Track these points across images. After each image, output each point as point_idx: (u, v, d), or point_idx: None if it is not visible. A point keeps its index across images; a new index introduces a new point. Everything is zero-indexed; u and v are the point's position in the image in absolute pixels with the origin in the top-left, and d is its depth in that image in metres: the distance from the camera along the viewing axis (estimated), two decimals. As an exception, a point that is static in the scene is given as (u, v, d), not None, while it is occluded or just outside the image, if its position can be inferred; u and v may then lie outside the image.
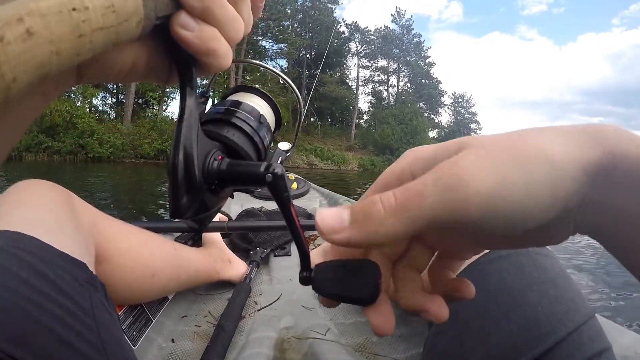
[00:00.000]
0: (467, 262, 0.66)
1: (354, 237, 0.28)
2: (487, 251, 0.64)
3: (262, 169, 0.34)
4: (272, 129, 0.47)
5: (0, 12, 0.18)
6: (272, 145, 0.46)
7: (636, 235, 0.27)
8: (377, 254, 0.35)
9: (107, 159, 24.25)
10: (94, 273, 0.68)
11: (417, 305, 0.33)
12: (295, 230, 0.35)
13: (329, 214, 0.29)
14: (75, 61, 0.22)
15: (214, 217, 0.38)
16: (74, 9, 0.20)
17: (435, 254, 0.37)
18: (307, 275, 0.33)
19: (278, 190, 0.34)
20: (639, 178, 0.26)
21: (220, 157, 0.35)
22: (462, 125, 71.25)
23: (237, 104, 0.43)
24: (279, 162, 0.45)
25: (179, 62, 0.33)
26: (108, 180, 12.55)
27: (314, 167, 34.82)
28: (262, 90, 0.47)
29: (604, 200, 0.27)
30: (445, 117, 68.90)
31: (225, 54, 0.32)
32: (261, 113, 0.44)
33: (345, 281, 0.32)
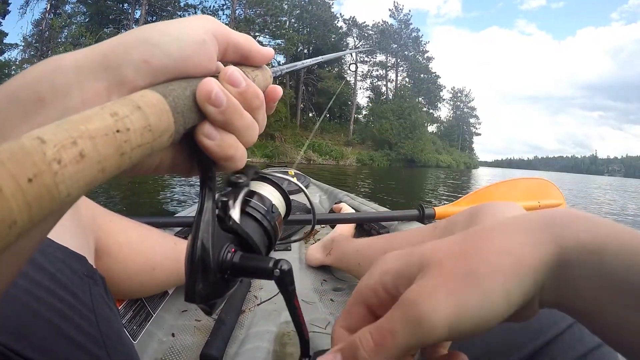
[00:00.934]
0: None
1: None
2: None
3: (270, 264, 0.39)
4: (282, 214, 0.49)
5: (55, 132, 0.19)
6: (281, 229, 0.48)
7: (591, 308, 0.30)
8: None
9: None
10: (94, 267, 0.68)
11: None
12: (297, 321, 0.40)
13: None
14: (115, 174, 0.24)
15: (225, 300, 0.40)
16: (118, 131, 0.22)
17: None
18: None
19: (284, 284, 0.40)
20: (588, 265, 0.29)
21: (233, 249, 0.38)
22: (461, 119, 71.30)
23: (251, 193, 0.45)
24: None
25: (201, 165, 0.36)
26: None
27: (312, 162, 34.79)
28: (274, 180, 0.49)
29: (561, 286, 0.30)
30: (444, 111, 69.03)
31: (241, 158, 0.36)
32: (273, 203, 0.46)
33: None
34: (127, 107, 0.24)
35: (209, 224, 0.35)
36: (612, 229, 0.30)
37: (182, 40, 0.32)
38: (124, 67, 0.29)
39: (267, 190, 0.47)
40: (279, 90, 0.43)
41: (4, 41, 32.10)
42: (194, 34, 0.32)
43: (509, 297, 0.29)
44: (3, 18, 33.04)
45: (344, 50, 50.13)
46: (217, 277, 0.36)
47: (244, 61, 0.39)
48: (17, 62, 32.87)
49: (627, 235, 0.29)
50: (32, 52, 33.90)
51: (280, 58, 43.83)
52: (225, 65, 0.35)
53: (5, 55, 32.93)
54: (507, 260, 0.30)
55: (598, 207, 12.42)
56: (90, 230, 0.79)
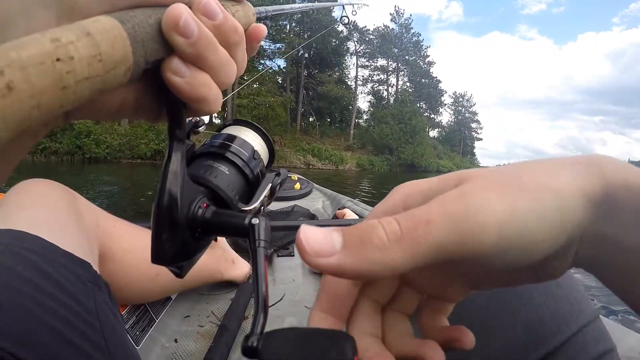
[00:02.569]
0: None
1: (347, 265, 0.24)
2: None
3: (246, 221, 0.34)
4: (265, 163, 0.47)
5: None
6: (263, 178, 0.45)
7: (630, 267, 0.27)
8: (366, 300, 0.33)
9: (104, 160, 24.29)
10: (98, 273, 0.68)
11: (410, 352, 0.31)
12: (259, 280, 0.31)
13: (316, 233, 0.24)
14: (57, 113, 0.21)
15: (194, 263, 0.37)
16: (57, 59, 0.20)
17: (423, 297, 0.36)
18: (253, 344, 0.24)
19: (253, 239, 0.34)
20: (636, 208, 0.26)
21: (205, 204, 0.35)
22: (463, 124, 71.26)
23: (232, 138, 0.43)
24: (267, 188, 0.44)
25: (169, 107, 0.33)
26: (106, 180, 12.53)
27: (311, 167, 34.81)
28: (256, 124, 0.47)
29: (604, 232, 0.27)
30: (445, 116, 69.00)
31: (215, 100, 0.32)
32: (255, 148, 0.44)
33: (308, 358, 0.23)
34: (73, 33, 0.21)
35: (177, 174, 0.32)
36: None
37: None
38: None
39: (249, 136, 0.45)
40: (262, 28, 0.39)
41: None
42: None
43: (562, 217, 0.25)
44: None
45: (344, 54, 50.11)
46: (187, 235, 0.33)
47: None
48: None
49: None
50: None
51: (281, 62, 43.97)
52: None
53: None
54: (559, 178, 0.26)
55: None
56: (94, 236, 0.79)
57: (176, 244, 0.32)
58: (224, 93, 0.36)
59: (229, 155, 0.40)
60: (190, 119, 0.38)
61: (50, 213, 0.68)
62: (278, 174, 0.47)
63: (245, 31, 0.36)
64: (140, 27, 0.26)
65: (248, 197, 0.42)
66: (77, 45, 0.21)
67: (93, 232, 0.79)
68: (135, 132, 26.55)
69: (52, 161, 22.69)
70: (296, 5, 0.59)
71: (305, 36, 43.55)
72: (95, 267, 0.68)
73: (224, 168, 0.39)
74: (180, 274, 0.35)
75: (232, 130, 0.45)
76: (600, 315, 0.58)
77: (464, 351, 0.30)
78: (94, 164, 22.21)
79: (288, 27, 42.87)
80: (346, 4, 2.15)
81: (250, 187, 0.42)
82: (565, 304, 0.56)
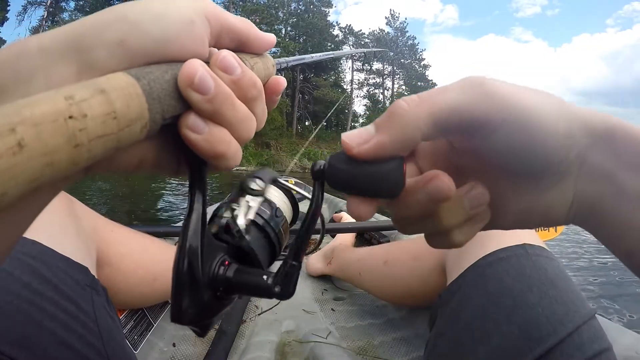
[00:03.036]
0: (467, 264, 0.68)
1: (383, 140, 0.29)
2: (486, 254, 0.66)
3: (269, 281, 0.34)
4: (289, 219, 0.45)
5: None
6: (287, 237, 0.44)
7: (630, 212, 0.29)
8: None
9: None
10: (96, 277, 0.68)
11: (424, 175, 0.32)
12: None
13: (353, 132, 0.30)
14: (71, 171, 0.21)
15: (217, 322, 0.36)
16: (70, 117, 0.19)
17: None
18: (321, 168, 0.33)
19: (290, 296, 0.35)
20: (636, 152, 0.29)
21: (227, 262, 0.34)
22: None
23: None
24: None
25: (189, 163, 0.32)
26: (101, 186, 12.50)
27: (306, 170, 34.76)
28: (280, 181, 0.45)
29: (604, 168, 0.30)
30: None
31: (234, 156, 0.31)
32: (278, 206, 0.42)
33: (364, 173, 0.31)
34: (87, 90, 0.21)
35: (198, 231, 0.31)
36: None
37: (165, 18, 0.27)
38: (96, 48, 0.25)
39: (270, 192, 0.43)
40: (282, 81, 0.38)
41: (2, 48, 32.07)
42: (180, 13, 0.28)
43: (558, 119, 0.29)
44: (1, 25, 33.09)
45: (340, 58, 50.10)
46: (208, 295, 0.32)
47: (241, 48, 0.34)
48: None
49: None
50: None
51: (276, 66, 43.94)
52: None
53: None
54: (565, 102, 0.30)
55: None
56: (92, 241, 0.79)
57: (196, 304, 0.31)
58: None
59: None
60: None
61: (47, 218, 0.67)
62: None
63: (265, 84, 0.36)
64: (157, 84, 0.25)
65: (271, 256, 0.41)
66: (90, 103, 0.20)
67: (90, 236, 0.79)
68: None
69: (52, 199, 22.55)
70: (316, 55, 0.58)
71: (301, 40, 43.62)
72: (93, 272, 0.69)
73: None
74: (201, 334, 0.34)
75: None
76: (596, 315, 0.58)
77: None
78: (90, 170, 22.13)
79: (283, 31, 42.89)
80: (365, 51, 2.25)
81: (272, 246, 0.40)
82: (560, 304, 0.57)
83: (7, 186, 0.17)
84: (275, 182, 0.45)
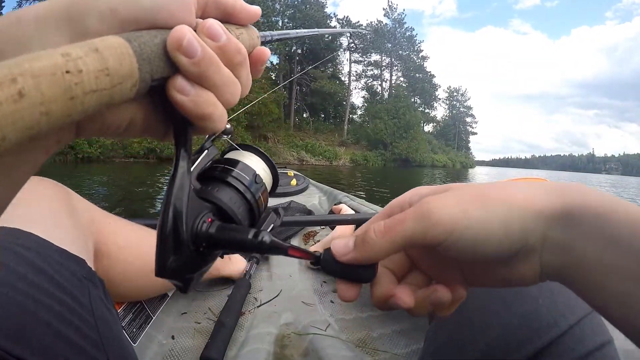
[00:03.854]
0: None
1: (356, 257, 0.35)
2: None
3: (250, 236, 0.35)
4: (269, 187, 0.47)
5: None
6: (267, 203, 0.46)
7: (594, 277, 0.32)
8: (386, 270, 0.41)
9: (97, 159, 24.18)
10: (93, 269, 0.68)
11: (386, 292, 0.39)
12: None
13: (340, 242, 0.37)
14: (66, 122, 0.22)
15: (200, 279, 0.37)
16: (67, 72, 0.20)
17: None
18: (318, 256, 0.37)
19: (269, 253, 0.36)
20: (594, 224, 0.32)
21: (210, 219, 0.36)
22: (458, 119, 71.46)
23: (234, 162, 0.43)
24: (270, 228, 0.45)
25: (175, 123, 0.34)
26: (98, 180, 12.50)
27: (304, 162, 34.78)
28: (260, 149, 0.47)
29: (565, 242, 0.33)
30: (440, 111, 69.13)
31: (219, 118, 0.33)
32: (257, 172, 0.44)
33: (346, 269, 0.36)
34: (82, 49, 0.22)
35: (183, 189, 0.32)
36: (619, 200, 0.33)
37: None
38: (88, 16, 0.26)
39: (252, 160, 0.45)
40: (266, 52, 0.40)
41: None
42: None
43: (508, 224, 0.33)
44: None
45: (338, 49, 49.94)
46: (191, 250, 0.33)
47: (227, 19, 0.36)
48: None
49: (633, 207, 0.32)
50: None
51: (274, 58, 43.84)
52: None
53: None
54: (517, 196, 0.34)
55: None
56: (89, 232, 0.78)
57: (180, 258, 0.32)
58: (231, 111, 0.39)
59: (230, 179, 0.41)
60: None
61: (44, 210, 0.68)
62: (278, 213, 0.48)
63: (250, 54, 0.37)
64: (147, 46, 0.27)
65: (251, 222, 0.42)
66: (85, 60, 0.22)
67: (88, 228, 0.78)
68: (128, 131, 26.45)
69: (44, 162, 22.59)
70: (302, 31, 0.59)
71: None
72: (90, 264, 0.68)
73: (226, 190, 0.40)
74: (183, 289, 0.35)
75: (234, 155, 0.45)
76: None
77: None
78: (87, 164, 22.14)
79: (280, 23, 42.67)
80: (351, 31, 2.19)
81: (252, 212, 0.42)
82: (561, 297, 0.56)
83: (6, 131, 0.18)
84: (256, 151, 0.47)
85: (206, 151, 0.43)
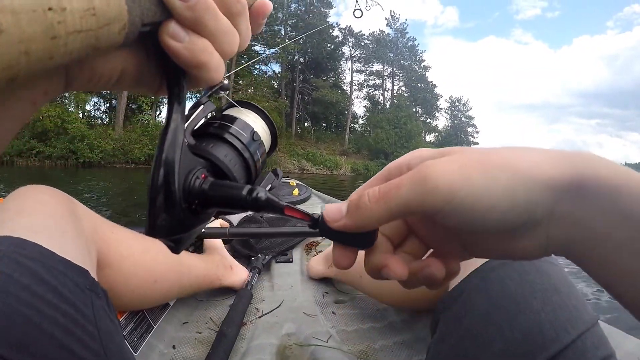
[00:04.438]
0: (470, 268, 0.67)
1: (349, 223, 0.34)
2: (488, 259, 0.66)
3: (244, 192, 0.34)
4: (267, 147, 0.46)
5: None
6: (264, 163, 0.45)
7: (603, 252, 0.31)
8: (381, 237, 0.39)
9: (98, 164, 24.27)
10: (96, 279, 0.68)
11: (380, 261, 0.37)
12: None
13: (333, 207, 0.35)
14: (48, 64, 0.21)
15: (192, 239, 0.36)
16: (49, 9, 0.19)
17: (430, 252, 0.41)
18: (317, 218, 0.35)
19: (265, 211, 0.35)
20: (605, 197, 0.30)
21: (203, 175, 0.34)
22: (459, 129, 71.32)
23: (232, 119, 0.42)
24: (268, 187, 0.44)
25: (168, 74, 0.32)
26: (98, 185, 12.51)
27: (305, 171, 34.76)
28: (259, 106, 0.46)
29: (574, 215, 0.31)
30: (442, 121, 69.02)
31: (216, 68, 0.32)
32: (255, 130, 0.43)
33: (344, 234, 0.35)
34: None
35: (175, 142, 0.31)
36: (631, 172, 0.30)
37: None
38: None
39: (250, 117, 0.44)
40: (267, 4, 0.38)
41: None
42: None
43: (513, 193, 0.30)
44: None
45: (340, 58, 50.04)
46: (183, 207, 0.32)
47: None
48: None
49: None
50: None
51: (276, 67, 43.90)
52: None
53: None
54: (524, 162, 0.31)
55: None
56: (92, 242, 0.79)
57: (172, 215, 0.31)
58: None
59: (227, 136, 0.39)
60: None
61: (48, 219, 0.68)
62: (276, 174, 0.46)
63: (250, 7, 0.36)
64: None
65: (247, 180, 0.41)
66: None
67: (91, 238, 0.78)
68: (129, 137, 26.58)
69: (45, 165, 22.78)
70: None
71: (300, 41, 43.53)
72: (93, 274, 0.68)
73: (222, 146, 0.38)
74: (175, 249, 0.33)
75: (232, 112, 0.44)
76: (599, 321, 0.58)
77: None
78: (88, 169, 22.20)
79: (283, 31, 42.82)
80: None
81: (248, 171, 0.41)
82: (563, 311, 0.57)
83: None
84: (255, 108, 0.46)
85: (202, 106, 0.40)
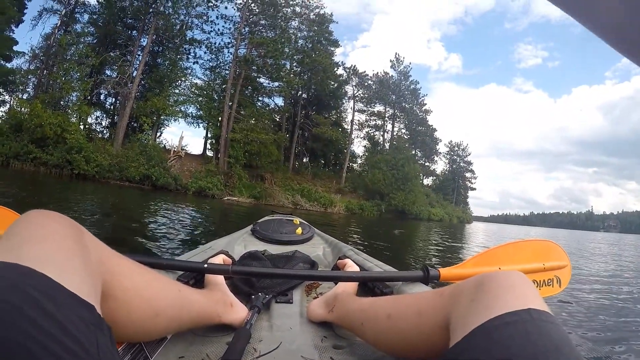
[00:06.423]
0: (472, 325, 0.69)
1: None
2: (493, 316, 0.68)
3: None
4: None
5: None
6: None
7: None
8: None
9: (93, 178, 24.36)
10: (101, 315, 0.67)
11: None
12: None
13: None
14: None
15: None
16: None
17: None
18: None
19: None
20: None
21: None
22: (457, 173, 72.13)
23: None
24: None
25: None
26: (91, 199, 12.48)
27: (298, 207, 34.76)
28: None
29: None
30: (440, 164, 69.85)
31: None
32: None
33: None
34: None
35: None
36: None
37: None
38: None
39: None
40: None
41: (14, 48, 32.31)
42: None
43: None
44: (17, 27, 33.52)
45: (343, 97, 50.75)
46: None
47: None
48: (22, 72, 33.22)
49: None
50: (38, 64, 33.94)
51: (279, 101, 44.39)
52: None
53: (14, 62, 33.20)
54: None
55: (605, 264, 11.92)
56: (98, 273, 0.79)
57: None
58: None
59: None
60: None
61: (57, 249, 0.68)
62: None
63: None
64: None
65: None
66: None
67: (97, 269, 0.78)
68: (127, 155, 26.85)
69: (40, 172, 22.91)
70: None
71: (305, 77, 44.17)
72: (98, 308, 0.68)
73: None
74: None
75: None
76: None
77: None
78: (82, 181, 22.25)
79: (288, 66, 43.50)
80: None
81: None
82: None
83: None
84: None
85: None
